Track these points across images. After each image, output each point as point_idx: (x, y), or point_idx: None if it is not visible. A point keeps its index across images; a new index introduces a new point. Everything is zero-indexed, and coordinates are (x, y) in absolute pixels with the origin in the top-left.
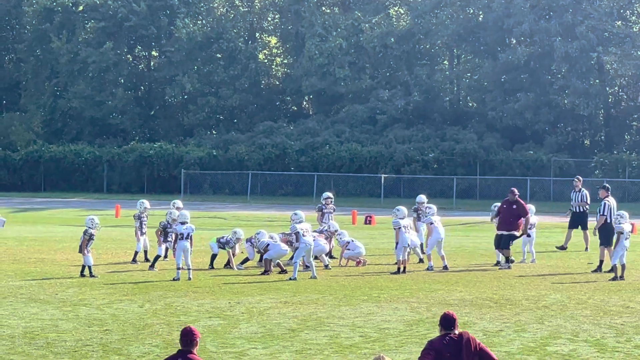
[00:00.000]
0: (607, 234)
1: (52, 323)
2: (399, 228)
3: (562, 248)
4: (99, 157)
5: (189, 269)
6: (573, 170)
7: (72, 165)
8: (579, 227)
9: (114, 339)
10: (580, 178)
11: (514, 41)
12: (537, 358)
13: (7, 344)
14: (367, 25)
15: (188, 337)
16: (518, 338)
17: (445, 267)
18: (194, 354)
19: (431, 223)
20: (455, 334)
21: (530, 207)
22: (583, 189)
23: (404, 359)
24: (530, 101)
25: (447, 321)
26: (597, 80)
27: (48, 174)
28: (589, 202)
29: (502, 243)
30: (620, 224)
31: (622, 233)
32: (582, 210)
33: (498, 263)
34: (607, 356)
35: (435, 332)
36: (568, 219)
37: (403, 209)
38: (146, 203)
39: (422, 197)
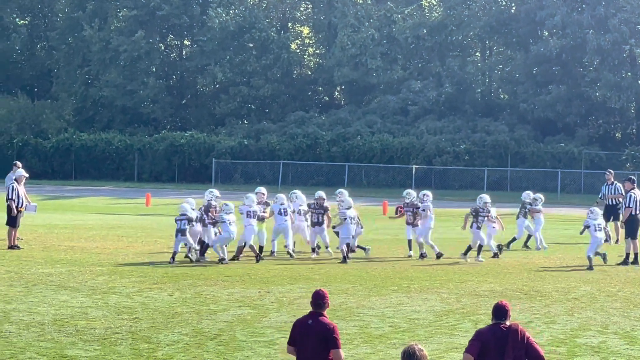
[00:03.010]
0: (633, 226)
1: (81, 311)
2: (345, 219)
3: (616, 242)
4: (130, 146)
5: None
6: (604, 163)
7: (103, 153)
8: (612, 218)
9: (143, 327)
10: (612, 171)
11: (546, 33)
12: (567, 350)
13: (36, 330)
14: (399, 16)
15: (318, 300)
16: (547, 330)
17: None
18: (325, 316)
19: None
20: (505, 324)
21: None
22: (615, 181)
23: (433, 349)
24: (562, 93)
25: (499, 311)
26: (629, 73)
27: (79, 162)
28: (623, 193)
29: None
30: (590, 218)
31: (591, 227)
32: (615, 202)
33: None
34: (637, 348)
35: (465, 323)
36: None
37: (348, 200)
38: (216, 192)
39: (485, 197)
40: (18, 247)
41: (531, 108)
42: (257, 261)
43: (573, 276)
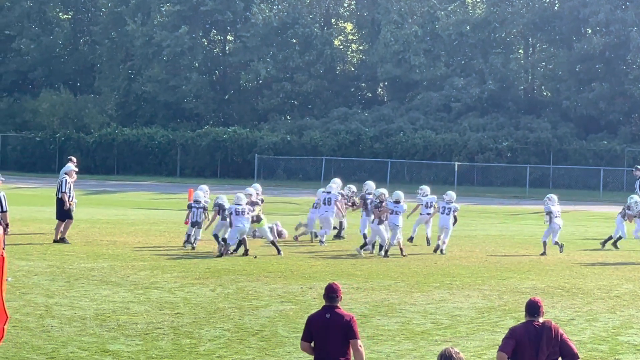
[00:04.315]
0: None
1: (123, 305)
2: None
3: None
4: (172, 141)
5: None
6: None
7: (146, 148)
8: None
9: (185, 322)
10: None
11: (590, 31)
12: (609, 347)
13: (78, 325)
14: (442, 12)
15: (332, 293)
16: (589, 327)
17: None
18: (340, 308)
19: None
20: (538, 321)
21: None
22: None
23: (475, 346)
24: (605, 91)
25: (532, 307)
26: None
27: (121, 157)
28: None
29: None
30: (548, 205)
31: (552, 213)
32: None
33: None
34: None
35: (507, 320)
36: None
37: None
38: (259, 187)
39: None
40: (65, 241)
41: (574, 105)
42: (220, 255)
43: (615, 274)
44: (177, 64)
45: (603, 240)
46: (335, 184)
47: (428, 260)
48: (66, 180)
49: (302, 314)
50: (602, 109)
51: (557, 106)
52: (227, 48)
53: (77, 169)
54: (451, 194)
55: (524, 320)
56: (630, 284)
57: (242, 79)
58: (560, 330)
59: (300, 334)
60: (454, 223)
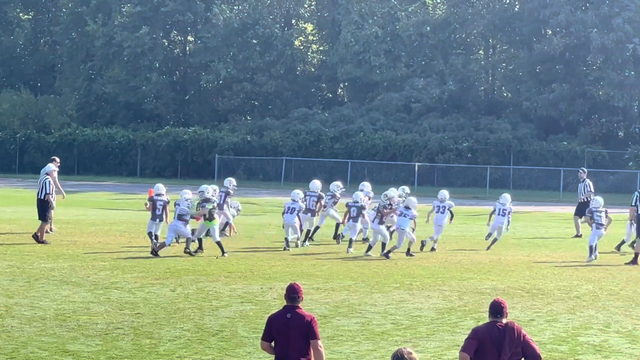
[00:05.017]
0: None
1: (83, 306)
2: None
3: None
4: (132, 141)
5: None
6: (607, 162)
7: (106, 148)
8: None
9: (145, 323)
10: (585, 170)
11: (550, 32)
12: (569, 348)
13: (38, 325)
14: (403, 13)
15: (293, 293)
16: (549, 328)
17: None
18: (301, 308)
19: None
20: (502, 322)
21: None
22: (587, 179)
23: (435, 346)
24: (565, 92)
25: (495, 308)
26: (633, 72)
27: (81, 157)
28: (592, 190)
29: None
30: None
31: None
32: (586, 200)
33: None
34: (639, 347)
35: (467, 321)
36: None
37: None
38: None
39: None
40: (45, 242)
41: (534, 106)
42: (153, 253)
43: (575, 274)
44: (138, 65)
45: (617, 245)
46: (366, 187)
47: (388, 261)
48: (49, 181)
49: (262, 314)
50: (562, 110)
51: (517, 107)
52: (187, 49)
53: (57, 169)
54: (444, 193)
55: (487, 321)
56: (589, 284)
57: (203, 79)
58: (523, 332)
59: (261, 334)
60: (451, 218)
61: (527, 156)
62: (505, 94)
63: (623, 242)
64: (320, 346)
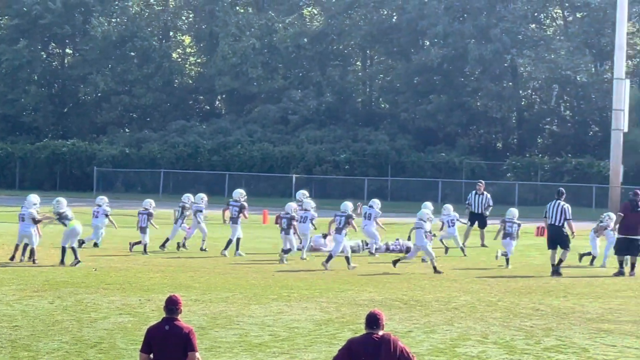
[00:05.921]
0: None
1: None
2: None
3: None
4: (11, 154)
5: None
6: (485, 173)
7: None
8: (477, 224)
9: (22, 335)
10: (483, 182)
11: (428, 43)
12: (447, 359)
13: None
14: (280, 25)
15: (172, 305)
16: (427, 339)
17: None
18: (179, 320)
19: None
20: (378, 334)
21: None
22: (485, 192)
23: (313, 358)
24: (443, 103)
25: (371, 320)
26: (511, 83)
27: None
28: (491, 204)
29: (633, 249)
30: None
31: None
32: (482, 211)
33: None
34: (516, 358)
35: (344, 332)
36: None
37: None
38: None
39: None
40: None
41: (412, 118)
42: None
43: (453, 286)
44: (16, 77)
45: (580, 255)
46: (376, 204)
47: (266, 272)
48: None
49: (141, 326)
50: (440, 121)
51: (395, 118)
52: (66, 61)
53: None
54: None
55: (363, 333)
56: (467, 295)
57: (81, 92)
58: (401, 344)
59: (139, 346)
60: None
61: (405, 167)
62: (383, 105)
63: (593, 258)
64: (198, 358)
